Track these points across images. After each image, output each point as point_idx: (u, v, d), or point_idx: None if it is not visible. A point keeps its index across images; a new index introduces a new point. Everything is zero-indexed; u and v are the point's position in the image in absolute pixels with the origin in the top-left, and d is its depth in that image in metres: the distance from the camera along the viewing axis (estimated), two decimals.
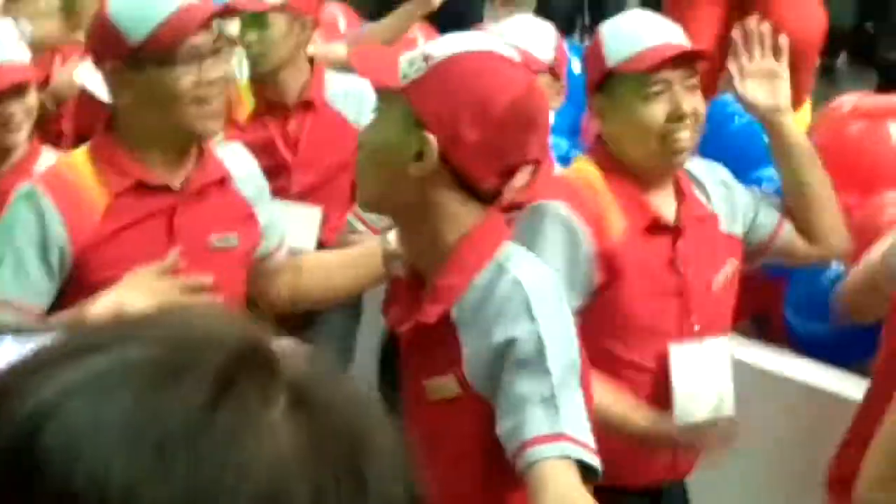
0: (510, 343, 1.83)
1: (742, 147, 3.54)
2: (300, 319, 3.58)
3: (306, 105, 3.54)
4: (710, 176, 2.59)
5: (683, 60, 2.43)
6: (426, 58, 1.90)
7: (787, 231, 2.61)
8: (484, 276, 1.89)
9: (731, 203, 2.57)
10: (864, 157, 3.31)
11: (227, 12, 2.60)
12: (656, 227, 2.43)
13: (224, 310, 0.71)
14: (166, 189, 2.38)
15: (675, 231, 2.47)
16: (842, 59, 6.29)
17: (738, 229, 2.57)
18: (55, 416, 0.64)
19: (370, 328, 3.58)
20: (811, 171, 2.58)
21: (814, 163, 2.59)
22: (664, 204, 2.48)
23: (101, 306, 2.02)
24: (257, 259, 2.54)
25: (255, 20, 3.57)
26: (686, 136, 2.41)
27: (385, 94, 1.96)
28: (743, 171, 3.42)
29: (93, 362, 0.66)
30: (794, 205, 2.59)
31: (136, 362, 0.65)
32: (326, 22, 4.29)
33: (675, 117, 2.38)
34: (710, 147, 3.49)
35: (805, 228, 2.59)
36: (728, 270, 2.53)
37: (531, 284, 1.87)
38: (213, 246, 2.42)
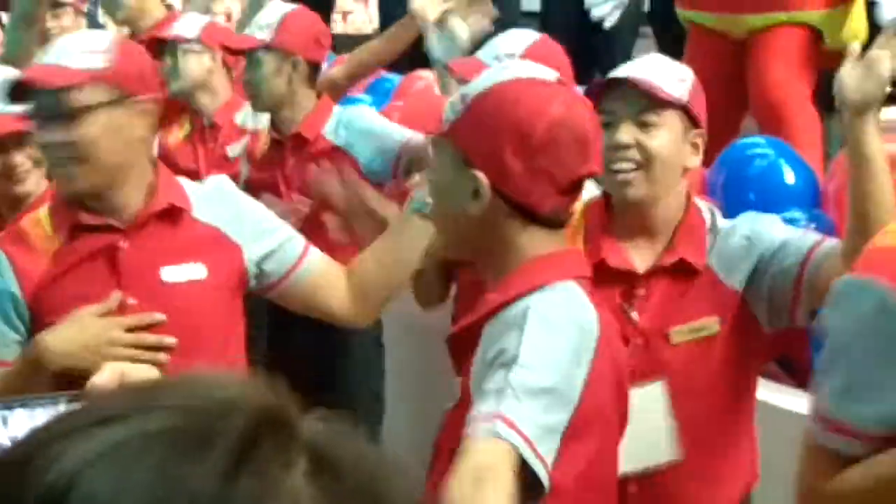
0: (498, 353, 1.84)
1: (763, 190, 3.53)
2: (322, 369, 3.60)
3: (298, 140, 3.59)
4: (736, 230, 2.46)
5: (636, 94, 2.40)
6: (463, 98, 1.94)
7: (817, 262, 2.37)
8: (523, 300, 1.89)
9: (738, 257, 2.43)
10: None
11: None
12: (601, 269, 2.32)
13: (238, 373, 0.71)
14: (108, 227, 2.35)
15: (630, 277, 2.42)
16: None
17: (735, 283, 2.43)
18: (77, 486, 0.64)
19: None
20: (878, 186, 2.31)
21: (884, 178, 2.33)
22: (636, 248, 2.44)
23: (106, 376, 2.01)
24: (293, 281, 2.46)
25: (248, 60, 3.67)
26: (624, 167, 2.36)
27: (435, 142, 2.00)
28: (764, 213, 3.42)
29: (113, 432, 0.66)
30: (852, 222, 2.34)
31: (156, 432, 0.66)
32: None
33: (611, 147, 2.32)
34: (730, 190, 3.50)
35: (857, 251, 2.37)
36: (700, 326, 2.41)
37: (538, 308, 1.87)
38: (166, 280, 2.36)
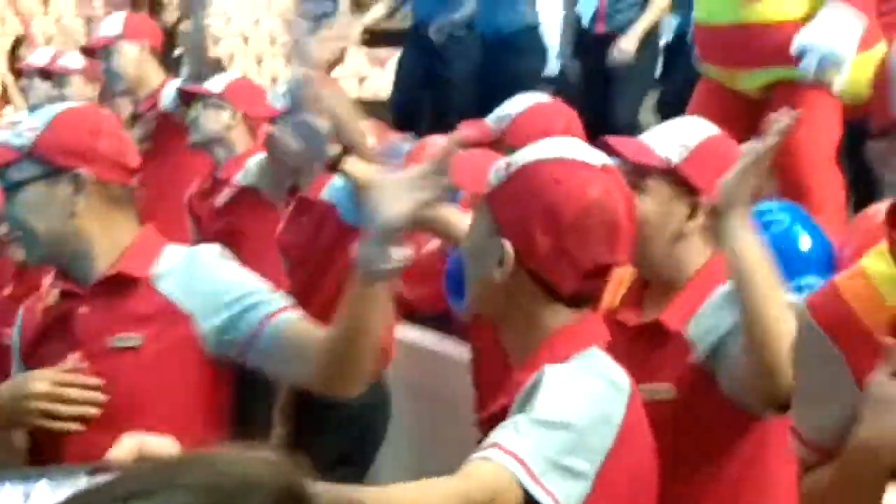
0: (516, 408, 1.85)
1: (778, 256, 3.50)
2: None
3: (293, 203, 3.71)
4: (720, 300, 2.43)
5: (625, 161, 2.42)
6: (508, 165, 1.97)
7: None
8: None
9: (709, 328, 2.42)
10: None
11: None
12: (608, 318, 2.36)
13: (258, 451, 0.74)
14: (72, 293, 2.44)
15: (622, 329, 2.43)
16: None
17: (696, 355, 2.42)
18: None
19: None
20: (753, 282, 2.28)
21: (758, 273, 2.29)
22: (650, 304, 2.47)
23: (125, 448, 1.99)
24: (257, 347, 2.41)
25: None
26: None
27: (477, 202, 2.04)
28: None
29: None
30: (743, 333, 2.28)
31: None
32: None
33: None
34: None
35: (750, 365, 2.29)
36: (657, 389, 2.37)
37: (558, 367, 1.87)
38: (112, 346, 2.41)
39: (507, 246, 1.92)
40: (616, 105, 6.47)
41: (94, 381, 2.39)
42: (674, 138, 2.50)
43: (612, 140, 2.49)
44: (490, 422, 1.95)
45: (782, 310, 2.23)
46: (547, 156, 1.98)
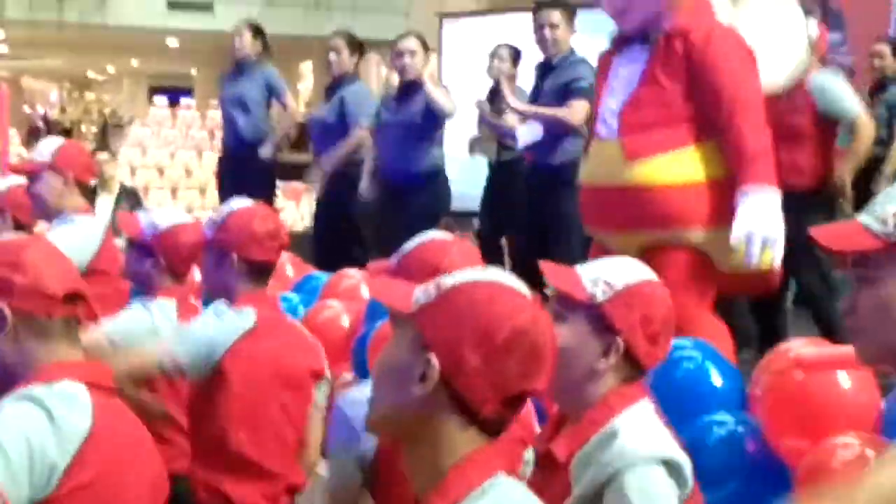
0: None
1: (689, 392, 3.55)
2: None
3: None
4: (608, 441, 2.45)
5: (553, 288, 2.50)
6: (438, 286, 1.97)
7: None
8: None
9: (584, 467, 2.45)
10: (812, 405, 3.33)
11: None
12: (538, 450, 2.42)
13: None
14: None
15: (540, 458, 2.48)
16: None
17: (574, 494, 2.44)
18: None
19: None
20: None
21: None
22: (564, 433, 2.50)
23: None
24: None
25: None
26: None
27: (399, 320, 2.02)
28: (691, 416, 3.43)
29: None
30: None
31: None
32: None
33: None
34: (658, 392, 3.51)
35: None
36: None
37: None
38: None
39: (434, 360, 1.91)
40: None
41: None
42: (604, 276, 2.54)
43: (546, 266, 2.54)
44: None
45: None
46: (480, 278, 2.01)
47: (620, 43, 4.25)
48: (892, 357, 1.90)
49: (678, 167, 4.05)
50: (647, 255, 3.98)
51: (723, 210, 3.99)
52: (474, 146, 8.30)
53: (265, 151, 8.21)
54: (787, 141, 5.29)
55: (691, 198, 4.04)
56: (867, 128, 5.93)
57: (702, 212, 4.05)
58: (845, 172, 5.93)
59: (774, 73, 4.43)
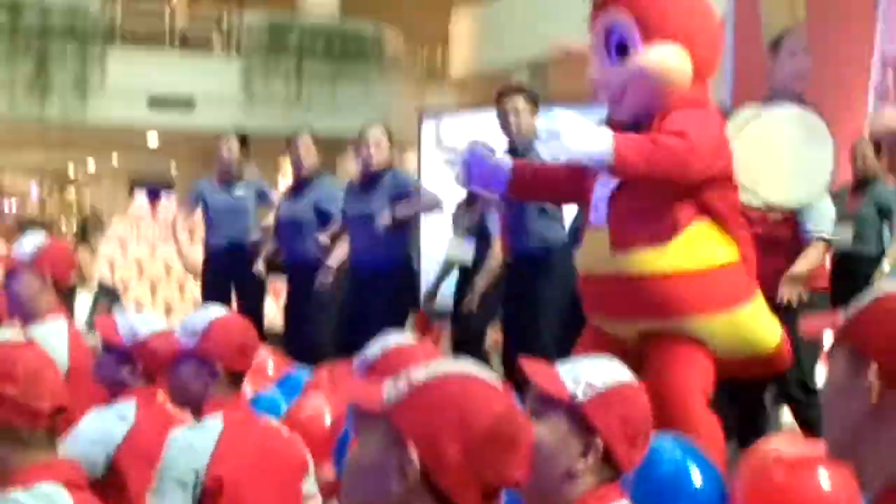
0: None
1: (670, 492, 3.55)
2: None
3: None
4: None
5: (532, 386, 2.51)
6: (409, 381, 1.97)
7: None
8: None
9: None
10: (792, 501, 3.34)
11: None
12: None
13: None
14: None
15: None
16: None
17: None
18: None
19: None
20: None
21: None
22: None
23: None
24: None
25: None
26: None
27: (368, 419, 2.00)
28: None
29: None
30: None
31: None
32: (256, 365, 4.33)
33: None
34: (638, 492, 3.51)
35: None
36: None
37: None
38: None
39: (414, 455, 1.90)
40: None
41: None
42: (585, 376, 2.53)
43: (527, 363, 2.53)
44: None
45: None
46: (450, 370, 2.01)
47: (612, 129, 4.26)
48: None
49: (668, 257, 4.02)
50: (646, 341, 4.01)
51: (718, 296, 4.00)
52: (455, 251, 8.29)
53: (259, 267, 8.24)
54: (769, 251, 5.27)
55: (683, 287, 4.02)
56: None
57: (696, 300, 4.03)
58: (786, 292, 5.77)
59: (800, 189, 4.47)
